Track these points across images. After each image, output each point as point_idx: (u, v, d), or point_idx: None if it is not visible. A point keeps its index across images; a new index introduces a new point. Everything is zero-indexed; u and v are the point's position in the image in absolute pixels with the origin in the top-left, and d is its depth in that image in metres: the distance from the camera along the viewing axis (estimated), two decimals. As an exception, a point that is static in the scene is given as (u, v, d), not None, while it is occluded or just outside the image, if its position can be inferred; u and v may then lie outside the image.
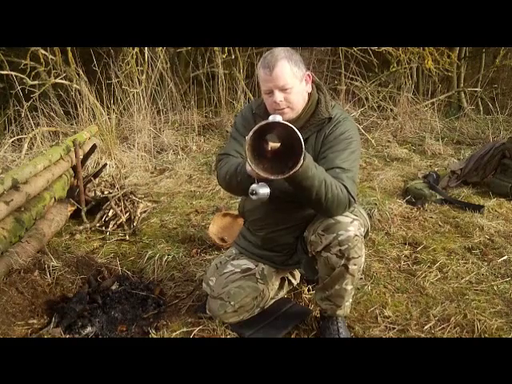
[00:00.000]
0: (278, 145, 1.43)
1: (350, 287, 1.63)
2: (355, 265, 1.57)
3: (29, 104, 4.43)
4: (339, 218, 1.55)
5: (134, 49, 4.63)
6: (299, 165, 1.32)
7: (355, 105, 5.44)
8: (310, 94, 1.64)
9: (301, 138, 1.30)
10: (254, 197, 1.41)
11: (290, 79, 1.52)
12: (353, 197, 1.53)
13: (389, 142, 4.82)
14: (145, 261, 2.36)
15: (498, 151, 3.31)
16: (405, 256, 2.39)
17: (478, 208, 2.91)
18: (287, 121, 1.55)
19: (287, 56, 1.53)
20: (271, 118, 1.36)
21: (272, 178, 1.35)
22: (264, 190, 1.41)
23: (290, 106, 1.56)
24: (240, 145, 1.69)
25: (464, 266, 2.28)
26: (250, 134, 1.34)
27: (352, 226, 1.54)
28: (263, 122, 1.34)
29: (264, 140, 1.43)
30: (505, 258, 2.34)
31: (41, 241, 2.36)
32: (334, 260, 1.56)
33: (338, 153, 1.56)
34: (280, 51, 1.53)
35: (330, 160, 1.56)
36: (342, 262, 1.55)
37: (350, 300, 1.72)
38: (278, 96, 1.53)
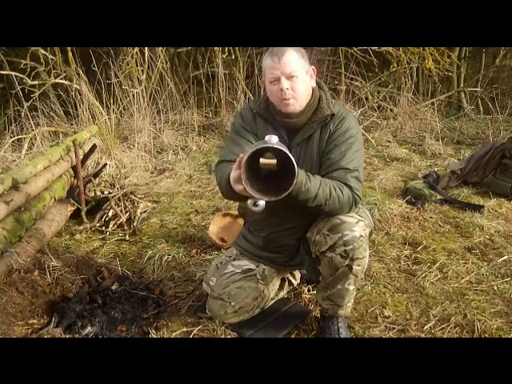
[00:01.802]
0: (269, 161, 1.45)
1: (352, 287, 1.63)
2: (359, 265, 1.57)
3: (29, 104, 4.42)
4: (344, 218, 1.55)
5: (134, 49, 4.62)
6: (291, 187, 1.35)
7: (355, 105, 5.44)
8: (312, 90, 1.64)
9: (293, 160, 1.32)
10: (256, 208, 1.43)
11: (297, 67, 1.54)
12: (358, 195, 1.54)
13: (389, 141, 4.82)
14: (145, 261, 2.36)
15: (497, 151, 3.31)
16: (405, 256, 2.39)
17: (477, 208, 2.91)
18: (292, 113, 1.59)
19: (295, 48, 1.56)
20: (267, 139, 1.38)
21: (266, 199, 1.38)
22: (263, 202, 1.44)
23: (295, 96, 1.56)
24: (239, 146, 1.65)
25: (464, 265, 2.28)
26: (246, 157, 1.36)
27: (357, 226, 1.54)
28: (258, 147, 1.35)
29: (259, 160, 1.45)
30: (505, 257, 2.34)
31: (41, 241, 2.36)
32: (339, 260, 1.56)
33: (343, 153, 1.57)
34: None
35: (335, 161, 1.57)
36: (347, 262, 1.55)
37: (352, 301, 1.72)
38: (285, 83, 1.53)
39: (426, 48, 5.13)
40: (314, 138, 1.63)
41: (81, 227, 2.73)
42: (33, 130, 4.38)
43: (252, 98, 5.28)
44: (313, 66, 1.63)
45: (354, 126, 1.63)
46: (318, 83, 1.69)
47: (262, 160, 1.44)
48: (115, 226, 2.77)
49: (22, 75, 4.47)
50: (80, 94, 4.42)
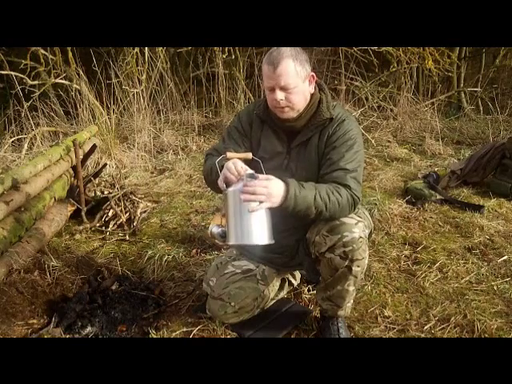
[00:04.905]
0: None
1: (351, 288, 1.63)
2: (358, 266, 1.57)
3: (29, 104, 4.43)
4: (344, 219, 1.54)
5: (134, 49, 4.63)
6: None
7: (355, 105, 5.44)
8: (312, 94, 1.63)
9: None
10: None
11: (292, 79, 1.51)
12: (357, 196, 1.53)
13: (389, 142, 4.82)
14: (145, 261, 2.36)
15: (497, 151, 3.31)
16: (405, 256, 2.39)
17: (477, 208, 2.91)
18: (287, 119, 1.60)
19: (293, 54, 1.52)
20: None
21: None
22: (216, 230, 1.57)
23: (290, 105, 1.56)
24: (227, 147, 1.69)
25: (464, 266, 2.28)
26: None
27: (357, 227, 1.53)
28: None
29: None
30: (505, 257, 2.34)
31: (41, 241, 2.36)
32: (338, 261, 1.56)
33: (342, 154, 1.57)
34: (286, 49, 1.52)
35: (333, 162, 1.57)
36: (346, 263, 1.55)
37: (351, 301, 1.72)
38: (279, 95, 1.53)
39: (426, 48, 5.13)
40: (313, 140, 1.63)
41: (81, 227, 2.73)
42: (33, 129, 4.39)
43: (252, 97, 5.28)
44: (312, 73, 1.59)
45: (353, 128, 1.62)
46: (319, 85, 1.68)
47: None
48: (115, 226, 2.77)
49: (22, 75, 4.47)
50: (80, 94, 4.42)
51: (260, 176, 1.42)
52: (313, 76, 1.60)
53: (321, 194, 1.47)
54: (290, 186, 1.42)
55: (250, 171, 1.44)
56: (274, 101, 1.56)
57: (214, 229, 1.56)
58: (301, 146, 1.64)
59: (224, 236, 1.51)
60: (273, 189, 1.40)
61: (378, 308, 1.94)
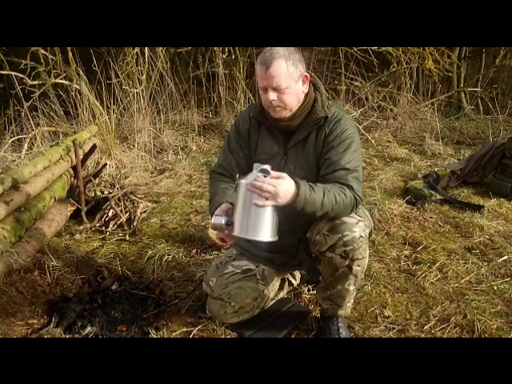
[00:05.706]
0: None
1: (352, 288, 1.63)
2: (359, 266, 1.57)
3: (29, 104, 4.42)
4: (344, 218, 1.55)
5: (134, 49, 4.62)
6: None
7: (355, 105, 5.44)
8: (306, 94, 1.63)
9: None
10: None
11: (284, 80, 1.51)
12: (359, 196, 1.54)
13: (389, 142, 4.82)
14: (145, 261, 2.36)
15: (497, 151, 3.31)
16: (405, 256, 2.39)
17: (477, 208, 2.91)
18: (281, 118, 1.61)
19: (285, 55, 1.51)
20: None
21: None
22: (216, 220, 1.53)
23: (282, 105, 1.56)
24: (228, 161, 1.77)
25: (464, 265, 2.28)
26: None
27: (357, 227, 1.54)
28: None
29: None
30: (505, 257, 2.34)
31: (41, 241, 2.36)
32: (338, 261, 1.56)
33: (341, 154, 1.57)
34: (279, 49, 1.52)
35: (333, 162, 1.57)
36: (346, 262, 1.55)
37: (352, 301, 1.72)
38: (271, 95, 1.53)
39: (426, 48, 5.13)
40: (310, 139, 1.63)
41: (81, 227, 2.73)
42: (33, 130, 4.38)
43: (252, 98, 5.28)
44: (306, 73, 1.59)
45: (350, 127, 1.62)
46: (314, 84, 1.68)
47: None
48: (115, 225, 2.77)
49: (22, 75, 4.47)
50: (80, 94, 4.41)
51: (272, 173, 1.41)
52: (306, 76, 1.60)
53: (329, 196, 1.46)
54: (301, 188, 1.41)
55: (265, 166, 1.42)
56: (266, 101, 1.56)
57: (217, 218, 1.53)
58: (298, 145, 1.64)
59: (228, 224, 1.49)
60: (281, 189, 1.38)
61: (378, 308, 1.94)
